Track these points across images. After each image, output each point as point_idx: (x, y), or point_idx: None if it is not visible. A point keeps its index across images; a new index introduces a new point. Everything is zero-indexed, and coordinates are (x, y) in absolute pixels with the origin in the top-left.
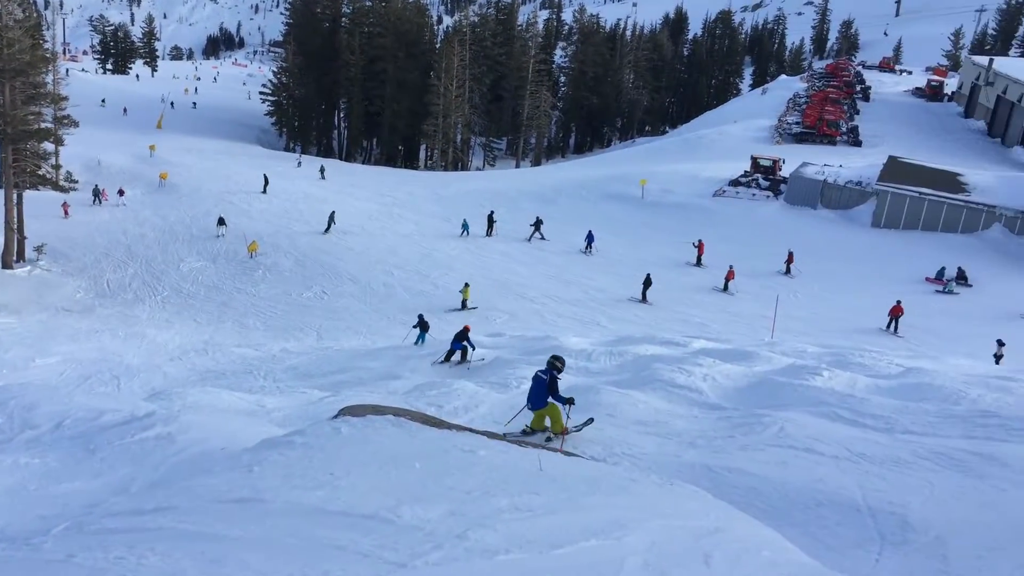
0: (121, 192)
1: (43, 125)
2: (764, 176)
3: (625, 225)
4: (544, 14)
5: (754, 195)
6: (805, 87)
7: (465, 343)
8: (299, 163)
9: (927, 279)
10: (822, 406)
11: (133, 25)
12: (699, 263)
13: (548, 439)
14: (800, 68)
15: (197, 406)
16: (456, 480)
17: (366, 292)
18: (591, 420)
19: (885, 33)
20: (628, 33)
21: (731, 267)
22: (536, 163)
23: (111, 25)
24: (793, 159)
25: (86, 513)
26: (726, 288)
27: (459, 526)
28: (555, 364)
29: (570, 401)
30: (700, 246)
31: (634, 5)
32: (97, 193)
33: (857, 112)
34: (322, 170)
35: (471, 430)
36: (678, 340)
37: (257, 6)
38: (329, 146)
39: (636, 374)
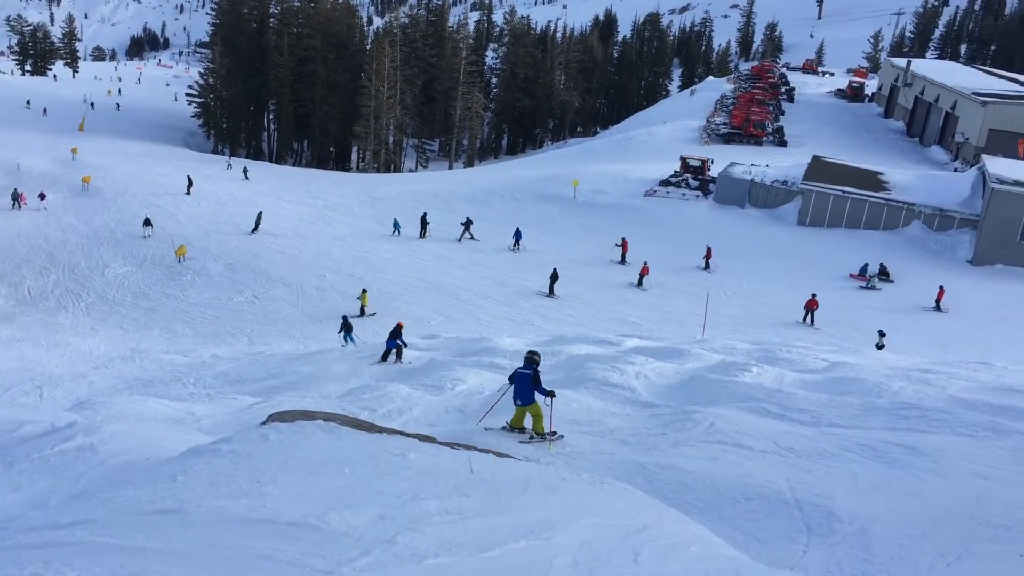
0: (42, 196)
1: None
2: (693, 176)
3: (558, 226)
4: (475, 16)
5: (684, 195)
6: (732, 88)
7: (399, 341)
8: (229, 165)
9: (851, 275)
10: (751, 401)
11: (53, 25)
12: (623, 261)
13: (530, 438)
14: (727, 70)
15: (122, 415)
16: (385, 484)
17: (299, 296)
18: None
19: (811, 35)
20: (559, 35)
21: (645, 263)
22: (469, 164)
23: (29, 25)
24: (721, 159)
25: (0, 528)
26: (640, 283)
27: (388, 531)
28: (533, 359)
29: (551, 394)
30: (624, 244)
31: (564, 7)
32: (16, 197)
33: (782, 113)
34: (245, 171)
35: (403, 433)
36: (611, 339)
37: (182, 6)
38: (259, 148)
39: (570, 373)
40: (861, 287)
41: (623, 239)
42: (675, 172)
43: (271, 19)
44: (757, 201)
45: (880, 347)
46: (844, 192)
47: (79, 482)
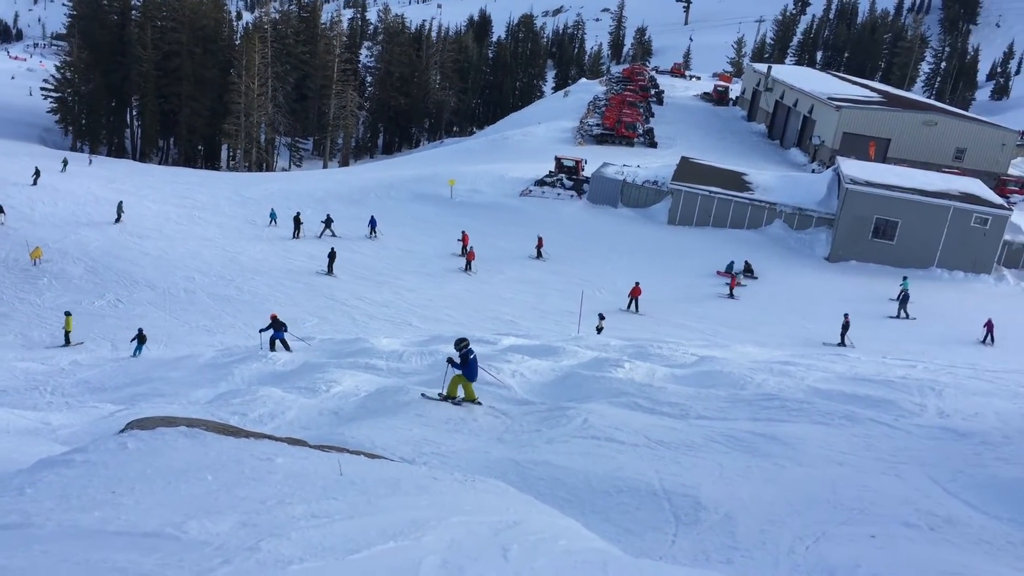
0: None
1: None
2: (568, 176)
3: (435, 225)
4: (348, 13)
5: (559, 195)
6: (604, 90)
7: (283, 332)
8: (90, 162)
9: (718, 272)
10: (623, 396)
11: None
12: (463, 253)
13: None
14: (599, 72)
15: None
16: (250, 490)
17: (165, 299)
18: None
19: (691, 39)
20: (434, 34)
21: (471, 248)
22: (344, 163)
23: None
24: (595, 160)
25: None
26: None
27: (251, 538)
28: (461, 344)
29: (451, 362)
30: (464, 238)
31: (439, 7)
32: None
33: (652, 115)
34: (64, 163)
35: (272, 437)
36: (488, 338)
37: None
38: (121, 145)
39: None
40: (727, 284)
41: (463, 232)
42: (550, 172)
43: (133, 11)
44: (629, 201)
45: (599, 330)
46: (711, 192)
47: None
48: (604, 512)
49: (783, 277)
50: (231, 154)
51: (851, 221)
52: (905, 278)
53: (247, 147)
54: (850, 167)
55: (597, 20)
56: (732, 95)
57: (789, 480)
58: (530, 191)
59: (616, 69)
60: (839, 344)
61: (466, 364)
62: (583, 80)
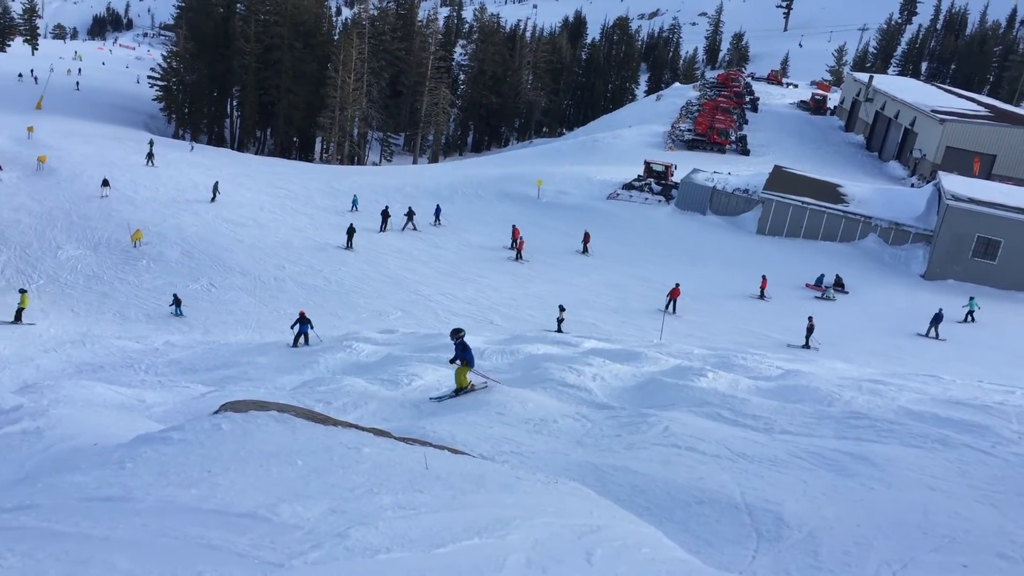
0: None
1: None
2: (656, 181)
3: (520, 225)
4: (445, 11)
5: (646, 199)
6: (697, 96)
7: (308, 327)
8: (191, 148)
9: (807, 285)
10: (705, 406)
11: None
12: (513, 248)
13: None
14: (693, 77)
15: (70, 400)
16: (339, 478)
17: (256, 285)
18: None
19: (800, 44)
20: (528, 34)
21: (522, 238)
22: (433, 160)
23: None
24: (684, 165)
25: None
26: (519, 256)
27: (340, 524)
28: (458, 334)
29: (453, 361)
30: (515, 231)
31: (534, 7)
32: None
33: (746, 122)
34: (151, 146)
35: (357, 427)
36: (570, 340)
37: None
38: (221, 135)
39: (527, 373)
40: (816, 297)
41: (514, 226)
42: (639, 176)
43: (238, 4)
44: (718, 208)
45: (560, 321)
46: (803, 203)
47: (23, 466)
48: (683, 522)
49: (875, 293)
50: (324, 147)
51: (950, 239)
52: (972, 298)
53: (340, 140)
54: (952, 183)
55: (694, 24)
56: (830, 104)
57: (877, 502)
58: (617, 194)
59: (711, 74)
60: (803, 346)
61: (466, 352)
62: (676, 84)
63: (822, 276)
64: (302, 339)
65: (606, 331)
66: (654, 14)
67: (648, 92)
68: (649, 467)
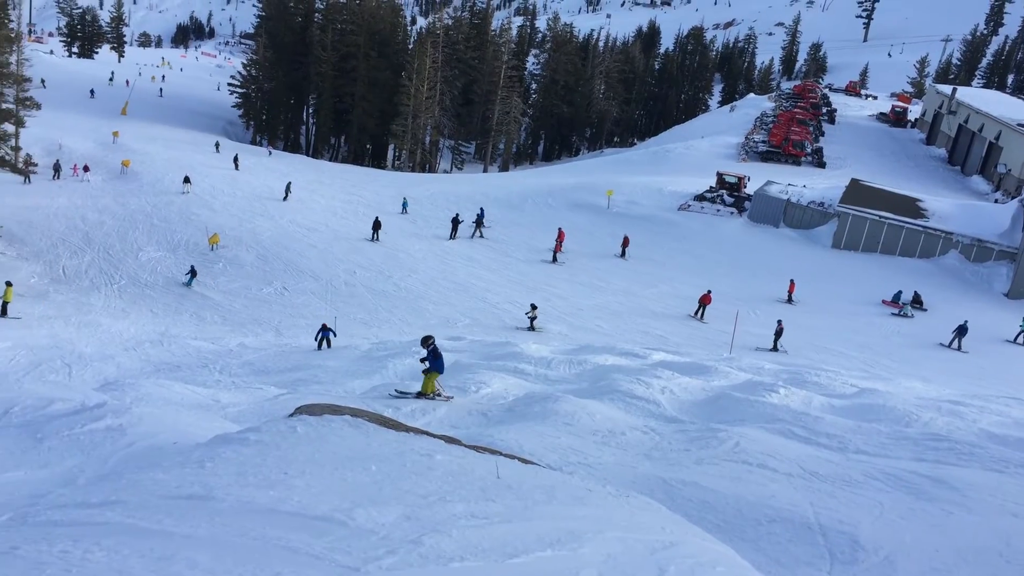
0: (86, 168)
1: (4, 106)
2: (729, 192)
3: (589, 234)
4: (518, 21)
5: (718, 211)
6: (772, 107)
7: (330, 332)
8: (269, 153)
9: (884, 301)
10: (777, 423)
11: (101, 9)
12: (555, 259)
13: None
14: (768, 88)
15: (150, 398)
16: (412, 484)
17: (327, 290)
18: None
19: (889, 55)
20: (601, 44)
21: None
22: (504, 168)
23: (79, 8)
24: (758, 177)
25: (30, 504)
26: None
27: (414, 531)
28: (428, 341)
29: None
30: (560, 234)
31: (608, 17)
32: (58, 168)
33: (822, 134)
34: (216, 145)
35: (428, 434)
36: (638, 352)
37: None
38: (296, 141)
39: (594, 384)
40: (893, 314)
41: (560, 229)
42: (711, 188)
43: (316, 14)
44: (792, 221)
45: (532, 319)
46: (881, 217)
47: (107, 462)
48: (755, 541)
49: (955, 311)
50: (397, 154)
51: None
52: None
53: (412, 148)
54: None
55: (770, 35)
56: (911, 117)
57: (957, 527)
58: (689, 206)
59: (787, 85)
60: (772, 349)
61: (437, 359)
62: (751, 95)
63: (899, 292)
64: (324, 343)
65: (675, 343)
66: (729, 24)
67: (722, 103)
68: (719, 483)
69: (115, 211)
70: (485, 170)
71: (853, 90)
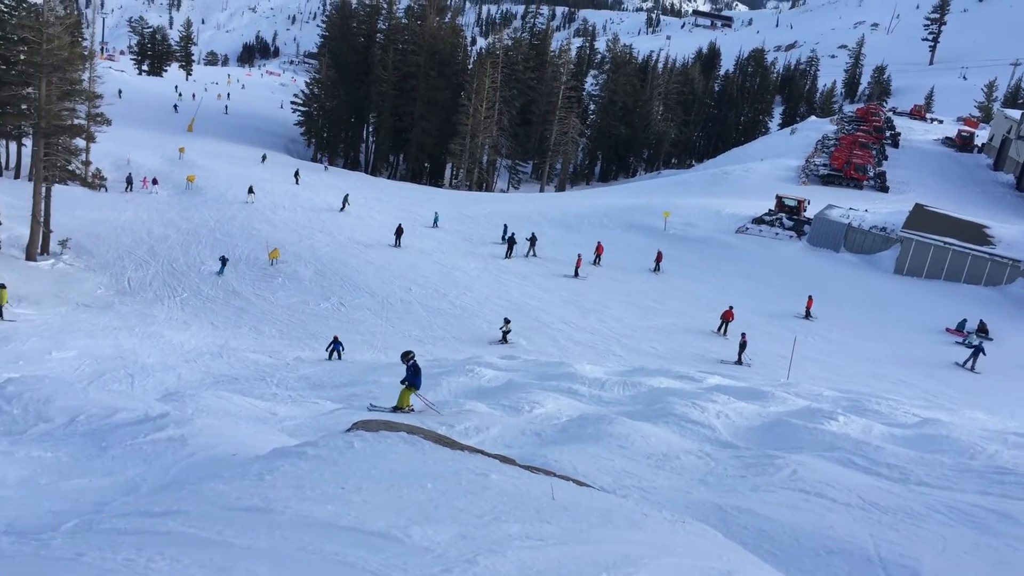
0: (155, 181)
1: (76, 121)
2: (788, 216)
3: (645, 256)
4: (577, 42)
5: (777, 234)
6: (835, 129)
7: (340, 346)
8: (325, 168)
9: (947, 330)
10: (836, 451)
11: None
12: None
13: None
14: (830, 110)
15: (209, 409)
16: (467, 503)
17: (383, 306)
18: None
19: (963, 77)
20: (660, 65)
21: (580, 256)
22: (560, 188)
23: (150, 27)
24: (818, 201)
25: (95, 511)
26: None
27: (469, 550)
28: (407, 356)
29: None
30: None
31: (668, 38)
32: (130, 180)
33: (886, 158)
34: (296, 174)
35: (483, 452)
36: (693, 375)
37: (294, 17)
38: (356, 159)
39: (649, 406)
40: (958, 343)
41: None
42: (769, 211)
43: (378, 34)
44: (853, 246)
45: (505, 332)
46: (946, 243)
47: (168, 472)
48: (812, 572)
49: (1022, 341)
50: (454, 173)
51: None
52: None
53: (470, 167)
54: None
55: (833, 57)
56: (978, 141)
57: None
58: (747, 228)
59: (849, 108)
60: (736, 363)
61: (416, 375)
62: (812, 118)
63: (964, 321)
64: (335, 355)
65: (729, 368)
66: (791, 46)
67: (782, 125)
68: (776, 511)
69: (179, 225)
70: (542, 190)
71: (918, 114)
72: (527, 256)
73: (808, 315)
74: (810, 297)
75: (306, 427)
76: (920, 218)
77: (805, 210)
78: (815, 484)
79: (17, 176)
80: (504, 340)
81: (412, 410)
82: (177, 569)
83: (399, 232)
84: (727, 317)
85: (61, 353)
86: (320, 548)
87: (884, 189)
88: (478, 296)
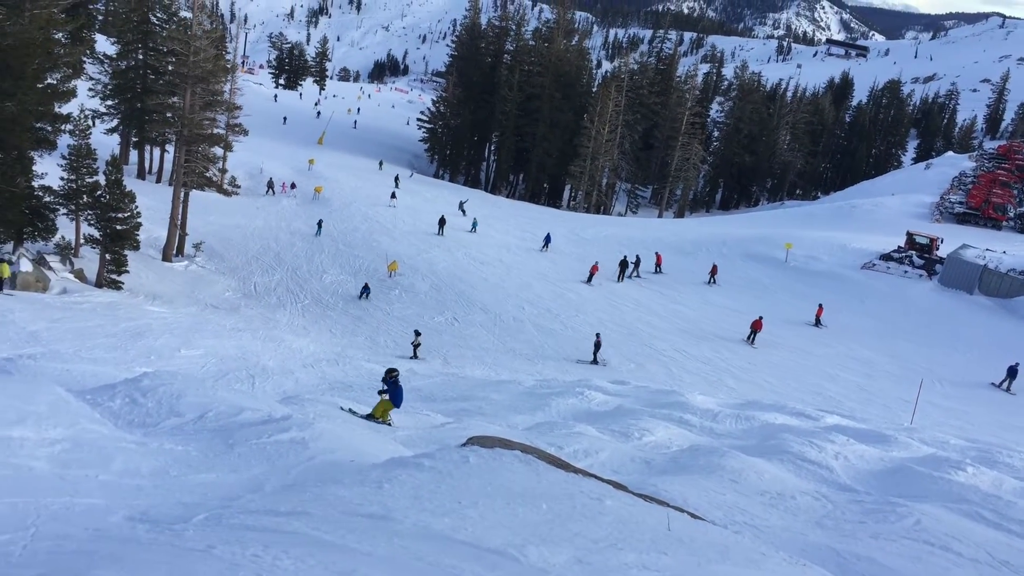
0: (293, 185)
1: (216, 131)
2: (919, 254)
3: (763, 287)
4: (705, 67)
5: (906, 272)
6: (973, 166)
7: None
8: (411, 175)
9: None
10: (964, 503)
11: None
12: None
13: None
14: (969, 147)
15: (327, 415)
16: (582, 527)
17: (496, 324)
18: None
19: None
20: (789, 94)
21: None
22: (679, 215)
23: (288, 43)
24: (952, 240)
25: (224, 506)
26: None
27: (585, 575)
28: (391, 373)
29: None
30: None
31: (799, 67)
32: (271, 184)
33: None
34: (396, 179)
35: (596, 477)
36: (810, 413)
37: (425, 36)
38: (476, 177)
39: (763, 442)
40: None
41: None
42: (899, 247)
43: (505, 55)
44: (988, 289)
45: (416, 346)
46: None
47: (289, 473)
48: None
49: None
50: (572, 194)
51: None
52: None
53: (588, 189)
54: None
55: (974, 91)
56: None
57: None
58: (874, 264)
59: (990, 145)
60: (592, 362)
61: (395, 391)
62: (949, 153)
63: None
64: (364, 296)
65: (849, 407)
66: (930, 78)
67: (916, 160)
68: (897, 562)
69: (305, 234)
70: (660, 215)
71: None
72: (631, 277)
73: (818, 323)
74: (820, 306)
75: (418, 439)
76: None
77: (938, 248)
78: (940, 536)
79: (159, 180)
80: (415, 355)
81: (390, 424)
82: (302, 569)
83: (442, 222)
84: (756, 327)
85: (189, 351)
86: (438, 560)
87: None
88: (590, 319)
